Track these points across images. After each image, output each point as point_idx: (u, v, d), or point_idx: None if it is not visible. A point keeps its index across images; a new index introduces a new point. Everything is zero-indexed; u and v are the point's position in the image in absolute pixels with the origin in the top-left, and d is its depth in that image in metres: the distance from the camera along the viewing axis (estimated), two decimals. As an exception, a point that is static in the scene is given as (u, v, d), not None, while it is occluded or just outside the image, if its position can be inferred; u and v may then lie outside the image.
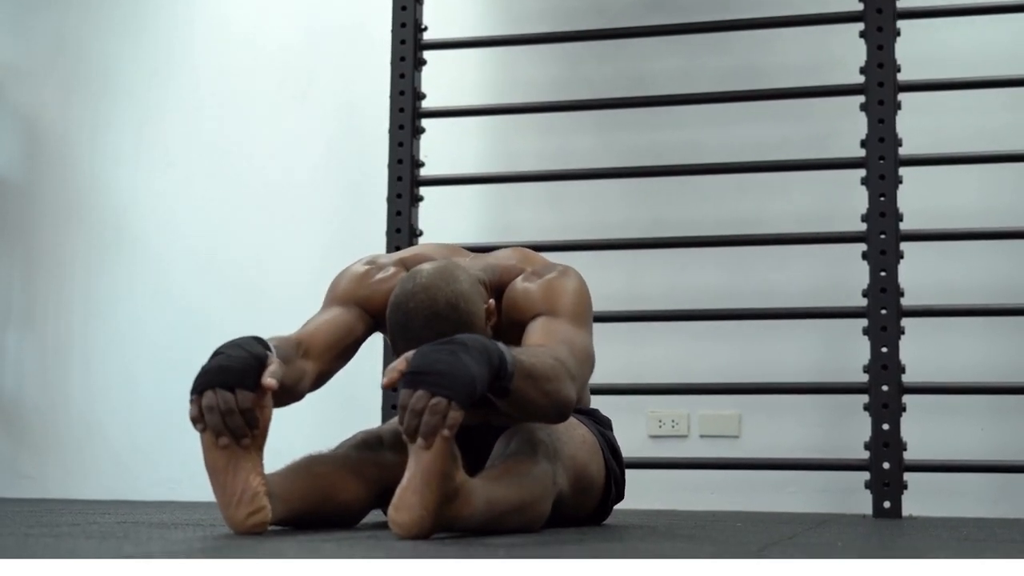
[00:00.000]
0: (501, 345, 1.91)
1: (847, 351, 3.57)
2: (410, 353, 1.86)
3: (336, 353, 2.29)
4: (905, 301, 3.39)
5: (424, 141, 3.82)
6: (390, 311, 2.14)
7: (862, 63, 3.49)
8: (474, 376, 1.80)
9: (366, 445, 2.26)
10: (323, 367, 2.26)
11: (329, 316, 2.32)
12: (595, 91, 3.96)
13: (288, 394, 2.15)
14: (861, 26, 3.52)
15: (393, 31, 3.81)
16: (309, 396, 2.30)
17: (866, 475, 3.35)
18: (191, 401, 1.94)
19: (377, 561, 1.30)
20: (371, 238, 3.76)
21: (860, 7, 3.54)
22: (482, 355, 1.84)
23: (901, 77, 3.48)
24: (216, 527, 2.11)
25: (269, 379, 1.94)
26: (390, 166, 3.74)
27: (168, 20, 4.48)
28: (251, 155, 4.32)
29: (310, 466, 2.16)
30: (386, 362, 3.54)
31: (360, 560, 1.30)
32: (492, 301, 2.23)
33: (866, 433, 3.36)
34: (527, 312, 2.25)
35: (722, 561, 1.40)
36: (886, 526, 2.73)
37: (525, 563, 1.28)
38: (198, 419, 1.93)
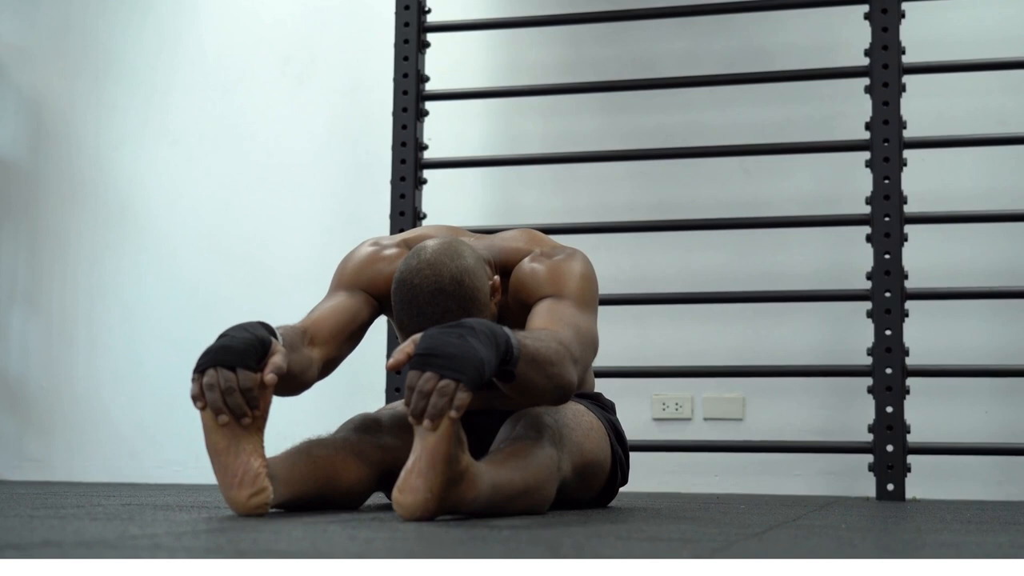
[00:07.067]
0: (507, 329, 1.91)
1: (851, 334, 3.58)
2: (417, 336, 1.86)
3: (342, 339, 2.29)
4: (909, 284, 3.39)
5: (428, 123, 3.82)
6: (395, 287, 2.14)
7: (867, 45, 3.48)
8: (483, 359, 1.81)
9: (366, 428, 2.27)
10: (330, 354, 2.26)
11: (334, 302, 2.32)
12: (599, 73, 3.95)
13: (296, 382, 2.15)
14: (866, 8, 3.51)
15: (397, 13, 3.81)
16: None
17: (870, 458, 3.35)
18: (192, 379, 1.94)
19: (380, 561, 1.31)
20: (375, 220, 3.77)
21: (865, -11, 3.53)
22: (489, 339, 1.84)
23: (906, 59, 3.47)
24: (221, 509, 2.12)
25: (271, 375, 1.95)
26: (394, 148, 3.73)
27: (173, 1, 4.48)
28: (255, 136, 4.32)
29: (311, 449, 2.16)
30: (390, 345, 3.55)
31: (363, 560, 1.31)
32: (497, 278, 2.23)
33: (870, 416, 3.37)
34: (534, 293, 2.25)
35: (723, 560, 1.41)
36: (889, 508, 2.73)
37: (525, 563, 1.28)
38: (198, 397, 1.93)
